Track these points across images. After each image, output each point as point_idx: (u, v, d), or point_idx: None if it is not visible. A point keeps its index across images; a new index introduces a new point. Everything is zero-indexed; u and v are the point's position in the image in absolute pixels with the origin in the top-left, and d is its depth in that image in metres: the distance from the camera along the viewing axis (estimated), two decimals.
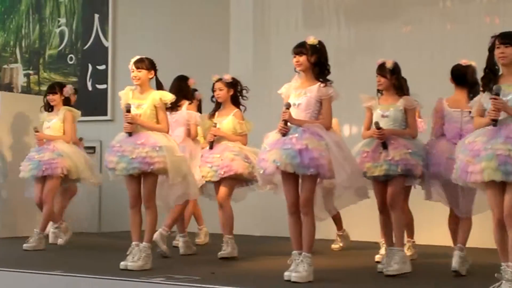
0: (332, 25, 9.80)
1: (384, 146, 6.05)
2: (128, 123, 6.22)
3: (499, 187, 4.96)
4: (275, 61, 9.85)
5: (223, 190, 7.12)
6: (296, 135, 5.55)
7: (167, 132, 6.42)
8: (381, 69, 6.24)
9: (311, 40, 5.74)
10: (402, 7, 9.47)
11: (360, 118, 7.33)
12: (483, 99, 5.15)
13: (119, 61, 10.97)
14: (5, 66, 12.17)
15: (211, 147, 7.18)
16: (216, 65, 10.16)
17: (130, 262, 6.11)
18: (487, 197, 5.10)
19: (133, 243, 6.23)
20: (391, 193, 6.06)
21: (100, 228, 10.85)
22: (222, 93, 7.26)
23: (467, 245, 6.12)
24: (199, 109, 7.87)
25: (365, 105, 6.35)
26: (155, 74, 6.45)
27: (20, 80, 12.00)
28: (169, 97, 6.35)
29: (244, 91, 7.35)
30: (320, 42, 5.76)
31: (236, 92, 7.31)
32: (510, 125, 4.97)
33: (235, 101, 7.32)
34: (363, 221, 9.14)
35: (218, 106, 7.34)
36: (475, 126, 5.22)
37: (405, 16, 9.43)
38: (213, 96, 7.34)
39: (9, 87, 11.98)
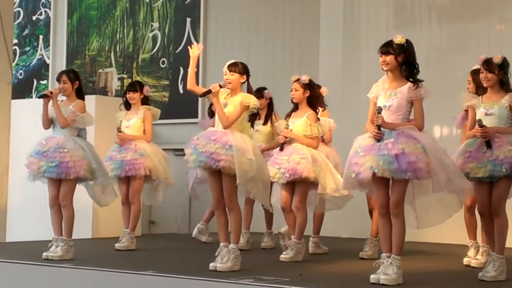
0: (424, 24, 9.65)
1: (488, 145, 5.82)
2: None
3: None
4: (364, 61, 9.76)
5: (300, 193, 7.08)
6: (392, 140, 5.47)
7: (224, 128, 6.23)
8: (489, 64, 6.00)
9: (399, 39, 5.63)
10: (496, 5, 9.24)
11: (450, 118, 7.20)
12: None
13: (210, 64, 11.09)
14: (100, 70, 12.49)
15: (281, 149, 7.15)
16: (306, 66, 10.18)
17: (219, 263, 6.15)
18: None
19: (221, 244, 6.26)
20: (496, 197, 5.84)
21: (191, 229, 10.98)
22: (298, 93, 7.23)
23: None
24: (270, 108, 7.86)
25: (468, 104, 6.14)
26: (247, 79, 6.46)
27: (115, 84, 12.29)
28: (251, 100, 6.29)
29: (323, 98, 7.32)
30: (407, 41, 5.65)
31: (312, 94, 7.26)
32: None
33: (311, 103, 7.27)
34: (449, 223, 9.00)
35: (296, 107, 7.31)
36: None
37: (499, 14, 9.20)
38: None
39: (104, 91, 12.29)
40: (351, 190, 5.93)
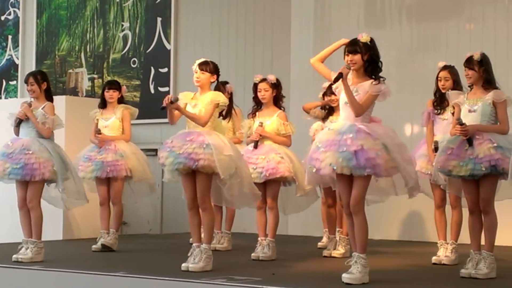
0: (394, 24, 9.71)
1: (470, 142, 5.83)
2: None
3: None
4: (335, 60, 9.76)
5: (272, 193, 7.09)
6: (351, 135, 5.47)
7: (202, 125, 6.23)
8: (469, 61, 6.01)
9: (364, 37, 5.64)
10: (465, 5, 9.32)
11: (421, 116, 7.25)
12: None
13: (181, 64, 11.07)
14: (70, 70, 12.40)
15: (255, 147, 7.14)
16: (277, 65, 10.21)
17: (191, 263, 6.13)
18: None
19: (194, 244, 6.25)
20: (483, 195, 5.84)
21: (163, 230, 10.97)
22: (268, 94, 7.24)
23: None
24: (231, 103, 7.86)
25: (455, 102, 6.12)
26: (217, 79, 6.47)
27: (85, 84, 12.21)
28: (220, 98, 6.30)
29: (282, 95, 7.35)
30: (372, 39, 5.66)
31: (278, 93, 7.29)
32: None
33: (277, 102, 7.30)
34: (420, 221, 9.09)
35: (258, 106, 7.31)
36: None
37: (468, 14, 9.28)
38: (255, 97, 7.29)
39: (74, 91, 12.20)
40: (315, 185, 5.91)
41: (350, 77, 5.68)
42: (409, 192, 5.82)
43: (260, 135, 7.11)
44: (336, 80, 5.56)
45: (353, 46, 5.64)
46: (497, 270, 5.90)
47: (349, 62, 5.62)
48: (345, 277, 5.40)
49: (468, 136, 5.83)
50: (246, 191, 6.40)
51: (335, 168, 5.43)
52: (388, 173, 5.50)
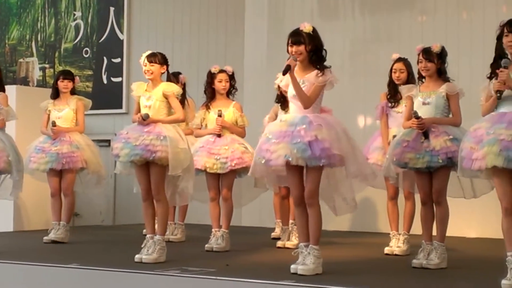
0: (347, 15, 9.74)
1: (426, 135, 5.88)
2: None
3: (506, 175, 4.87)
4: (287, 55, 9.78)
5: (228, 184, 7.11)
6: (304, 126, 5.45)
7: (183, 120, 6.43)
8: (429, 53, 6.04)
9: (307, 27, 5.58)
10: None
11: (374, 108, 7.30)
12: (491, 86, 5.06)
13: (134, 54, 10.97)
14: (21, 60, 12.21)
15: (219, 136, 7.13)
16: (231, 55, 10.19)
17: (145, 255, 6.10)
18: (494, 185, 5.01)
19: (148, 235, 6.23)
20: (436, 187, 5.91)
21: (116, 221, 10.90)
22: (228, 84, 7.25)
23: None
24: (184, 93, 7.83)
25: (406, 95, 6.16)
26: (167, 69, 6.44)
27: (36, 74, 12.04)
28: (173, 88, 6.31)
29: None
30: (314, 29, 5.61)
31: (233, 85, 7.30)
32: None
33: (230, 93, 7.30)
34: (373, 212, 9.17)
35: (212, 97, 7.28)
36: (483, 113, 5.11)
37: (421, 5, 9.36)
38: (209, 87, 7.26)
39: (25, 81, 12.03)
40: (259, 176, 5.90)
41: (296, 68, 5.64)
42: (363, 180, 5.83)
43: (221, 126, 7.10)
44: (284, 72, 5.50)
45: (296, 37, 5.57)
46: (448, 261, 5.98)
47: (293, 53, 5.57)
48: (299, 268, 5.42)
49: (424, 129, 5.88)
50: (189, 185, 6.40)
51: (290, 159, 5.40)
52: (342, 163, 5.50)
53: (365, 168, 5.70)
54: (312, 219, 5.53)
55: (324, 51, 5.62)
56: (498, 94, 4.92)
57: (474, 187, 5.99)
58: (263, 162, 5.53)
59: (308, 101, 5.51)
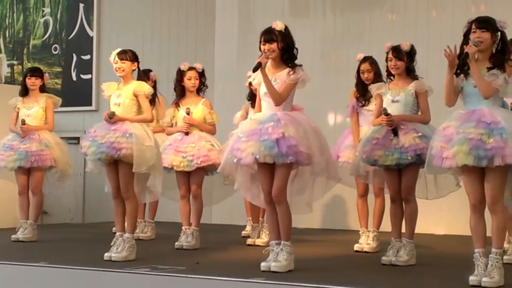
0: (318, 13, 9.76)
1: (395, 132, 5.92)
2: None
3: (475, 173, 4.93)
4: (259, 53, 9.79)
5: (197, 181, 7.10)
6: (272, 124, 5.46)
7: (151, 120, 6.40)
8: (398, 52, 6.09)
9: (279, 25, 5.60)
10: None
11: (344, 106, 7.32)
12: (460, 81, 5.07)
13: (104, 51, 10.90)
14: None
15: (186, 134, 7.11)
16: (202, 53, 10.16)
17: (114, 253, 6.08)
18: (463, 183, 5.05)
19: (117, 233, 6.20)
20: (405, 184, 5.95)
21: (85, 219, 10.83)
22: (197, 82, 7.23)
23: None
24: (154, 91, 7.80)
25: (377, 93, 6.20)
26: (138, 66, 6.41)
27: (4, 71, 11.91)
28: (144, 88, 6.28)
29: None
30: (286, 27, 5.63)
31: (202, 83, 7.29)
32: (483, 110, 4.95)
33: (199, 91, 7.29)
34: (343, 209, 9.21)
35: (182, 94, 7.26)
36: (445, 99, 5.11)
37: (391, 4, 9.41)
38: (178, 85, 7.24)
39: None
40: (228, 174, 5.90)
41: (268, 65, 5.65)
42: (333, 178, 5.85)
43: (189, 124, 7.08)
44: (255, 69, 5.52)
45: (269, 35, 5.59)
46: (417, 257, 6.02)
47: (266, 51, 5.57)
48: (272, 265, 5.43)
49: (393, 126, 5.91)
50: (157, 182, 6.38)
51: (257, 157, 5.42)
52: (310, 161, 5.51)
53: (332, 168, 5.72)
54: (281, 216, 5.54)
55: (295, 50, 5.64)
56: (465, 54, 4.93)
57: (438, 187, 6.03)
58: (235, 161, 5.54)
59: (280, 98, 5.52)
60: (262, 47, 5.60)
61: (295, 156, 5.41)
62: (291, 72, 5.57)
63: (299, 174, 5.67)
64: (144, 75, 6.69)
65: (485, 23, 5.04)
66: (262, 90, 5.64)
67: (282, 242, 5.53)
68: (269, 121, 5.48)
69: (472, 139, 4.82)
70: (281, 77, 5.59)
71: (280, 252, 5.50)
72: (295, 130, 5.45)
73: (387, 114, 5.92)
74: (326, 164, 5.63)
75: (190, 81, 7.21)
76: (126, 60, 6.29)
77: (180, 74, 7.25)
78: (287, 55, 5.61)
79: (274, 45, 5.57)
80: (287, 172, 5.50)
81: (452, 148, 4.88)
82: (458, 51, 5.08)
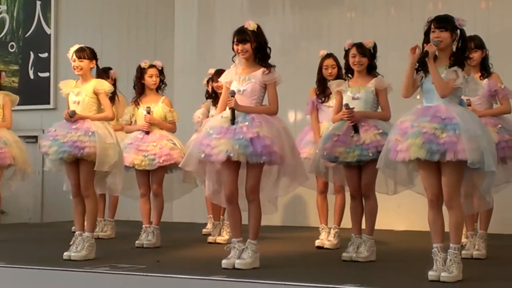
0: (278, 11, 9.78)
1: (355, 129, 5.95)
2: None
3: (432, 168, 4.97)
4: (219, 47, 9.80)
5: (158, 179, 7.07)
6: (247, 123, 5.47)
7: (112, 118, 6.36)
8: (362, 48, 6.12)
9: (251, 25, 5.62)
10: None
11: (304, 104, 7.35)
12: (419, 78, 5.10)
13: (61, 49, 10.77)
14: None
15: (147, 133, 7.07)
16: (161, 51, 10.12)
17: (74, 252, 6.03)
18: (420, 178, 5.10)
19: (76, 232, 6.16)
20: (365, 181, 5.99)
21: (43, 218, 10.72)
22: (158, 80, 7.20)
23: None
24: (114, 89, 7.76)
25: (337, 90, 6.21)
26: (97, 64, 6.36)
27: None
28: (104, 86, 6.24)
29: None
30: (258, 26, 5.66)
31: (162, 80, 7.26)
32: (439, 105, 4.99)
33: (159, 89, 7.26)
34: (303, 206, 9.24)
35: (141, 92, 7.21)
36: (403, 92, 5.14)
37: (350, 1, 9.46)
38: (138, 82, 7.19)
39: None
40: (191, 169, 5.89)
41: (240, 69, 5.69)
42: (301, 181, 5.87)
43: (150, 123, 7.04)
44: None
45: (242, 35, 5.61)
46: (377, 253, 6.07)
47: (239, 51, 5.61)
48: (237, 262, 5.45)
49: (354, 122, 5.94)
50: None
51: (231, 155, 5.40)
52: (282, 161, 5.54)
53: (300, 169, 5.74)
54: (252, 215, 5.57)
55: (268, 49, 5.66)
56: (425, 52, 4.97)
57: (397, 183, 6.07)
58: (202, 156, 5.51)
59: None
60: (235, 47, 5.63)
61: (268, 156, 5.44)
62: (266, 72, 5.60)
63: (266, 172, 5.67)
64: (103, 73, 6.64)
65: (444, 22, 5.09)
66: (234, 87, 5.63)
67: (248, 240, 5.55)
68: (243, 120, 5.50)
69: (426, 133, 4.88)
70: (256, 76, 5.62)
71: (245, 249, 5.51)
72: (269, 130, 5.48)
73: (348, 108, 5.95)
74: (295, 165, 5.65)
75: (151, 78, 7.18)
76: (84, 58, 6.24)
77: (141, 71, 7.21)
78: (260, 54, 5.64)
79: (247, 45, 5.59)
80: (259, 171, 5.54)
81: (406, 141, 4.93)
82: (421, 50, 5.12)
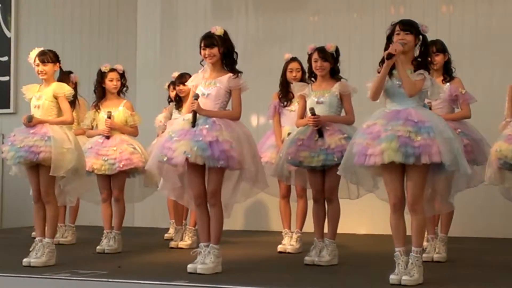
0: (241, 14, 9.78)
1: (320, 133, 5.95)
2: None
3: (397, 172, 5.00)
4: (183, 51, 9.78)
5: (119, 184, 7.03)
6: (207, 126, 5.47)
7: (71, 122, 6.28)
8: (324, 52, 6.13)
9: (218, 30, 5.64)
10: None
11: (267, 107, 7.34)
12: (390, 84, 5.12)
13: (22, 52, 10.64)
14: None
15: (108, 138, 7.02)
16: (123, 54, 10.04)
17: (33, 258, 5.96)
18: (383, 182, 5.11)
19: (37, 238, 6.08)
20: (329, 185, 6.00)
21: (3, 223, 10.59)
22: (119, 83, 7.15)
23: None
24: (75, 93, 7.70)
25: (300, 94, 6.22)
26: (60, 66, 6.31)
27: None
28: (64, 89, 6.17)
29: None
30: (225, 32, 5.68)
31: (124, 84, 7.21)
32: (408, 109, 5.02)
33: (121, 92, 7.22)
34: (265, 211, 9.25)
35: (102, 96, 7.17)
36: (371, 94, 5.11)
37: (313, 5, 9.49)
38: (99, 87, 7.14)
39: None
40: (156, 173, 5.87)
41: (208, 73, 5.70)
42: (261, 187, 5.87)
43: (110, 128, 6.99)
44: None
45: (209, 40, 5.62)
46: (339, 257, 6.09)
47: (206, 56, 5.61)
48: (198, 267, 5.43)
49: (319, 127, 5.95)
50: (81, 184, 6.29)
51: (189, 156, 5.40)
52: (241, 166, 5.53)
53: (260, 175, 5.74)
54: (214, 219, 5.56)
55: (235, 54, 5.67)
56: (388, 56, 4.98)
57: (359, 187, 6.09)
58: (165, 159, 5.50)
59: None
60: (202, 52, 5.63)
61: (226, 161, 5.44)
62: (233, 77, 5.61)
63: (226, 177, 5.67)
64: (64, 76, 6.57)
65: (409, 26, 5.13)
66: (200, 91, 5.62)
67: (211, 245, 5.54)
68: (203, 123, 5.50)
69: (401, 136, 4.90)
70: (222, 81, 5.63)
71: (207, 255, 5.50)
72: (229, 135, 5.48)
73: (314, 114, 5.96)
74: (256, 171, 5.64)
75: (112, 82, 7.13)
76: (48, 62, 6.18)
77: (101, 75, 7.16)
78: (227, 60, 5.65)
79: (214, 50, 5.60)
80: (220, 175, 5.54)
81: (380, 145, 4.93)
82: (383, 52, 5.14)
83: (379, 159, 4.93)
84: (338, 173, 5.37)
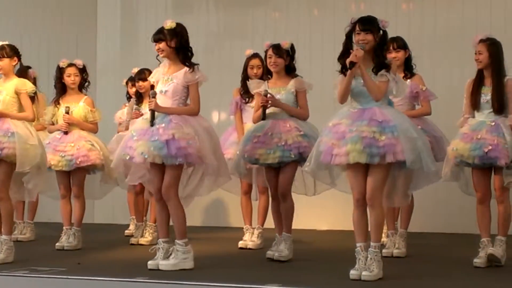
0: (202, 9, 9.75)
1: (264, 114, 5.96)
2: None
3: (360, 168, 5.03)
4: (143, 46, 9.70)
5: (78, 181, 6.98)
6: (163, 125, 5.47)
7: (33, 119, 6.21)
8: (278, 49, 6.13)
9: (169, 24, 5.60)
10: None
11: (228, 103, 7.34)
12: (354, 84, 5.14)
13: None
14: None
15: (66, 133, 6.96)
16: (83, 50, 9.94)
17: None
18: (347, 178, 5.15)
19: None
20: (283, 182, 6.01)
21: None
22: (78, 79, 7.09)
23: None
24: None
25: (256, 91, 6.20)
26: (19, 61, 6.23)
27: None
28: (27, 86, 6.11)
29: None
30: (178, 25, 5.63)
31: (85, 79, 7.16)
32: (373, 108, 5.05)
33: (82, 88, 7.16)
34: (225, 207, 9.25)
35: (62, 92, 7.10)
36: (339, 98, 5.13)
37: (274, 2, 9.50)
38: (58, 82, 7.09)
39: None
40: (121, 171, 5.87)
41: (166, 69, 5.68)
42: (224, 180, 5.87)
43: (68, 124, 6.92)
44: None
45: (157, 35, 5.61)
46: (298, 253, 6.14)
47: (157, 50, 5.60)
48: (162, 264, 5.43)
49: (269, 106, 5.95)
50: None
51: (146, 157, 5.41)
52: (201, 161, 5.53)
53: (223, 167, 5.74)
54: (173, 214, 5.56)
55: (190, 48, 5.64)
56: (351, 65, 4.98)
57: (316, 184, 6.11)
58: (127, 158, 5.52)
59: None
60: (155, 47, 5.61)
61: (184, 158, 5.44)
62: (189, 71, 5.58)
63: (194, 172, 5.68)
64: (23, 72, 6.49)
65: (369, 25, 5.13)
66: (159, 87, 5.62)
67: (176, 240, 5.54)
68: (160, 122, 5.49)
69: (365, 137, 4.94)
70: (178, 77, 5.60)
71: (173, 251, 5.51)
72: (187, 131, 5.46)
73: (266, 95, 5.97)
74: (218, 165, 5.64)
75: (70, 78, 7.06)
76: (4, 57, 6.11)
77: (60, 71, 7.09)
78: (181, 54, 5.61)
79: (162, 45, 5.58)
80: (176, 171, 5.52)
81: (345, 146, 4.96)
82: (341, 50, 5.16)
83: (344, 159, 4.98)
84: (306, 170, 5.35)
